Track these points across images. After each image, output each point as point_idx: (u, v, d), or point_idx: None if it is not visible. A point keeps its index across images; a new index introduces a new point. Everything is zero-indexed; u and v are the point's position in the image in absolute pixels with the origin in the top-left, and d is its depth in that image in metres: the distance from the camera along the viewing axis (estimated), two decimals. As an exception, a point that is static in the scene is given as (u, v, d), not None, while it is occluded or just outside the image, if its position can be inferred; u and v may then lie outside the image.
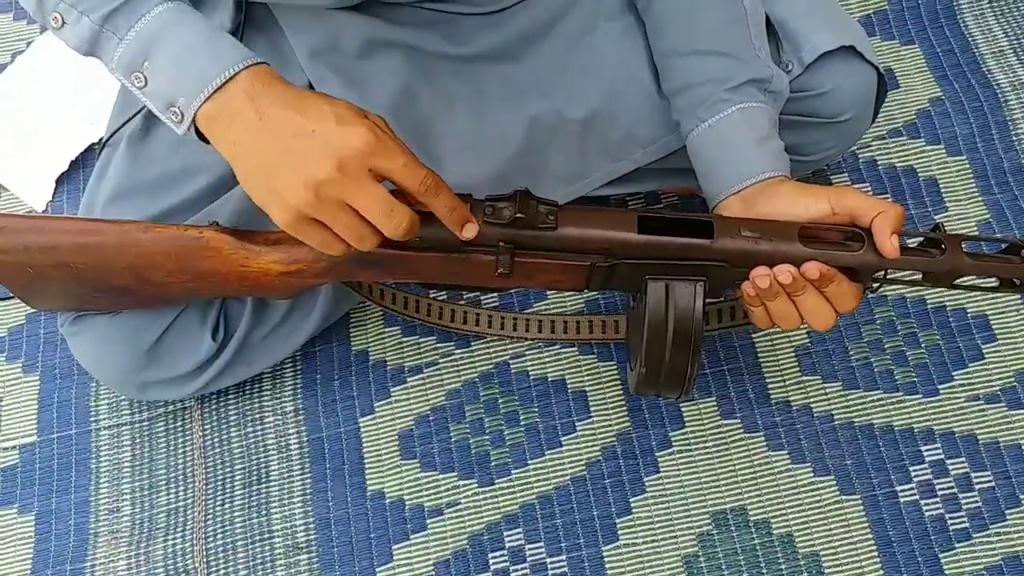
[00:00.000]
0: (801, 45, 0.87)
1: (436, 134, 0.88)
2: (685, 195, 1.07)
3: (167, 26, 0.67)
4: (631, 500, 0.95)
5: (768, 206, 0.74)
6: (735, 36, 0.82)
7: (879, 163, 1.10)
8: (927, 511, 0.94)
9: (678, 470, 0.96)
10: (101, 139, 0.94)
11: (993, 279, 0.74)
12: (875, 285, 0.75)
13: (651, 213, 0.72)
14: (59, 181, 1.13)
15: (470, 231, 0.69)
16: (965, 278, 0.74)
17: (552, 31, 0.90)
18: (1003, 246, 0.75)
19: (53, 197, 1.12)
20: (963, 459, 0.96)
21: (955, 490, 0.95)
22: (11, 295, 0.85)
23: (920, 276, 0.74)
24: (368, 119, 0.66)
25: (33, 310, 1.03)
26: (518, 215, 0.71)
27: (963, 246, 0.72)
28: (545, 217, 0.71)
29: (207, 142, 0.69)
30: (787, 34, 0.87)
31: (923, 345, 1.01)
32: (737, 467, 0.96)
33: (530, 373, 1.01)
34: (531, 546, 0.94)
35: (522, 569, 0.93)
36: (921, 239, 0.75)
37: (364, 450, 0.99)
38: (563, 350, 1.02)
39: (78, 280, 0.81)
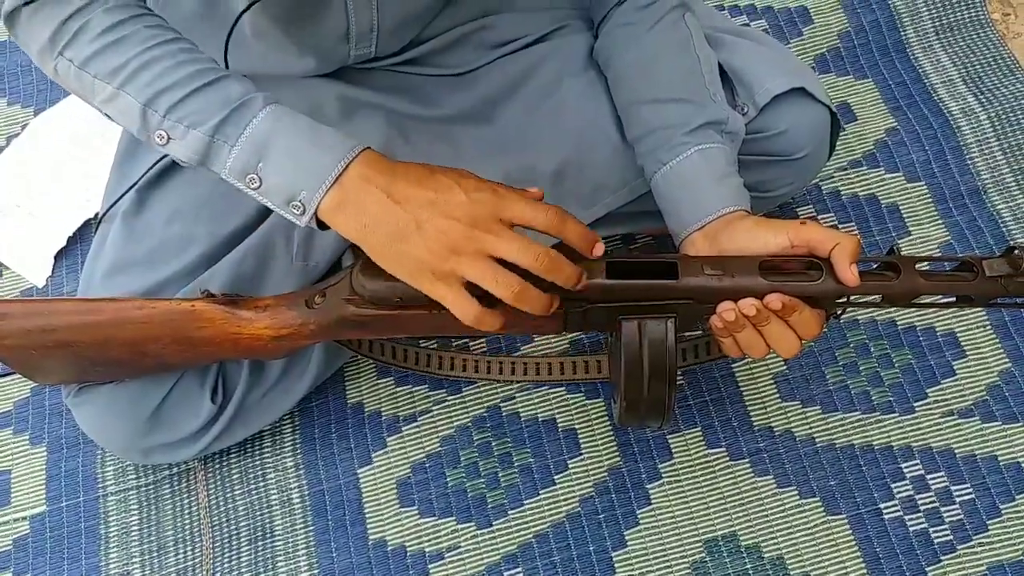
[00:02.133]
0: (755, 90, 0.91)
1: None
2: (659, 235, 1.11)
3: (275, 127, 0.70)
4: (625, 533, 0.98)
5: (729, 241, 0.78)
6: (691, 84, 0.86)
7: (842, 193, 1.14)
8: (911, 526, 0.96)
9: (669, 501, 0.99)
10: (97, 215, 0.97)
11: (951, 296, 0.78)
12: (839, 311, 0.78)
13: (618, 258, 0.76)
14: (58, 257, 1.15)
15: (599, 249, 0.72)
16: (924, 297, 0.77)
17: (520, 91, 0.95)
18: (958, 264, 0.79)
19: (53, 273, 1.15)
20: (943, 473, 0.99)
21: (937, 504, 0.97)
22: (12, 371, 0.88)
23: (880, 298, 0.78)
24: (487, 183, 0.71)
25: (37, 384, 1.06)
26: None
27: (918, 267, 0.76)
28: None
29: (325, 228, 0.72)
30: (742, 80, 0.92)
31: (896, 365, 1.04)
32: (725, 494, 0.99)
33: (521, 415, 1.04)
34: (531, 584, 0.96)
35: (523, 607, 0.95)
36: (878, 263, 0.79)
37: (364, 500, 1.01)
38: (552, 390, 1.05)
39: (78, 357, 0.84)
